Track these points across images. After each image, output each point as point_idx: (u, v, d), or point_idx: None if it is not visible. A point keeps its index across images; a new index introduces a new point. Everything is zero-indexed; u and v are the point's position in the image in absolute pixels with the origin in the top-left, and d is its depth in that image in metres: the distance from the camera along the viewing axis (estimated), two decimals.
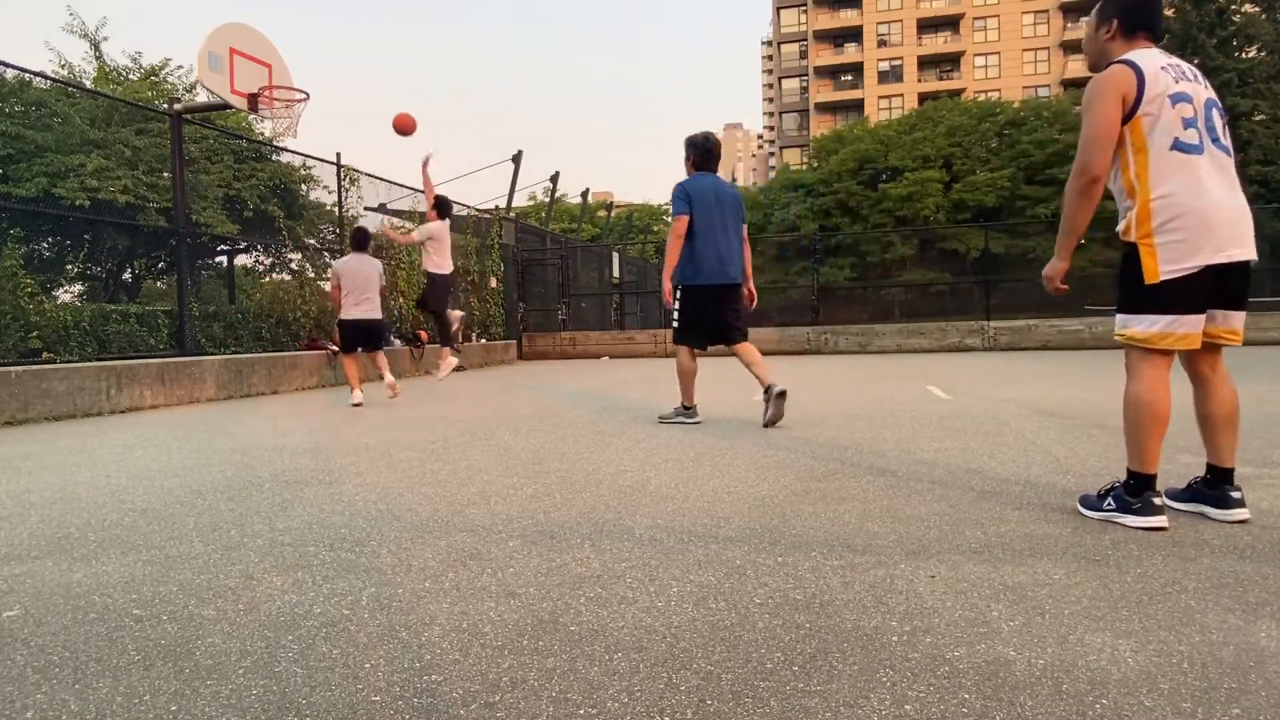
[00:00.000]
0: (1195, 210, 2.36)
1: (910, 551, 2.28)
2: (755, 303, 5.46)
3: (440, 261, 8.56)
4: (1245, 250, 2.41)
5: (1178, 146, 2.39)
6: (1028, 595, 1.90)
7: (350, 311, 7.40)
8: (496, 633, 1.76)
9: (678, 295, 5.23)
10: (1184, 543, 2.30)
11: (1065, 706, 1.36)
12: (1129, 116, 2.41)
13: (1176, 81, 2.42)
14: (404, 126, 8.46)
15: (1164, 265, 2.39)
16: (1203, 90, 2.48)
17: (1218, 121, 2.48)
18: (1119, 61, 2.46)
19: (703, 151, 5.31)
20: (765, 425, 4.98)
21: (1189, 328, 2.40)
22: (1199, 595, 1.88)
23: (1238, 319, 2.49)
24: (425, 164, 8.71)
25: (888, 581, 2.03)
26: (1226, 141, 2.50)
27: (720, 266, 5.14)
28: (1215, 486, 2.54)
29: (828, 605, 1.87)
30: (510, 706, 1.42)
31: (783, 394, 4.95)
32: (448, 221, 8.75)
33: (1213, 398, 2.53)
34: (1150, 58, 2.45)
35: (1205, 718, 1.32)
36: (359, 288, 7.43)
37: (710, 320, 5.22)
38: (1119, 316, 2.53)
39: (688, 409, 5.33)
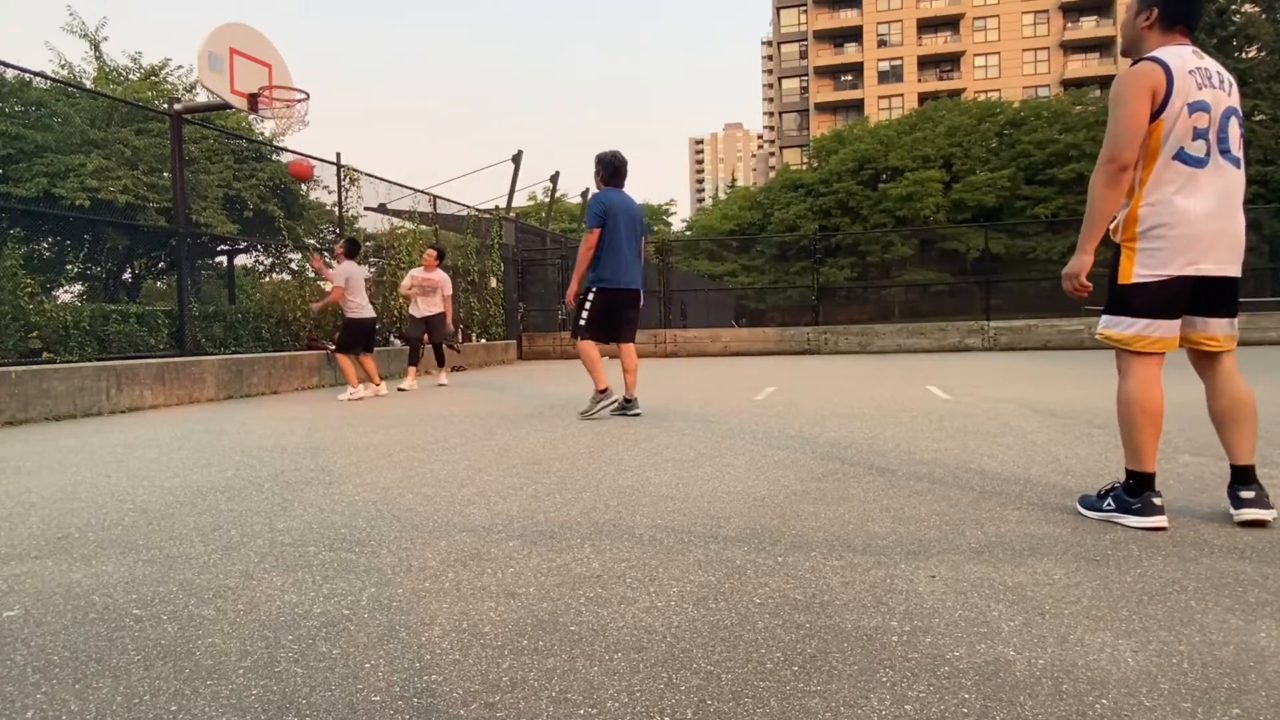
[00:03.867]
0: (1180, 222, 2.38)
1: (910, 551, 2.28)
2: (643, 306, 6.20)
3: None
4: (1223, 267, 2.42)
5: (1180, 157, 2.40)
6: (1028, 595, 1.90)
7: (362, 312, 8.22)
8: (496, 633, 1.76)
9: (590, 296, 5.85)
10: (1184, 543, 2.30)
11: (1065, 706, 1.36)
12: (1153, 117, 2.40)
13: (1200, 88, 2.40)
14: (300, 174, 10.55)
15: (1138, 269, 2.43)
16: (1225, 97, 2.45)
17: (1233, 132, 2.46)
18: (1150, 59, 2.43)
19: (611, 169, 5.92)
20: (581, 415, 5.77)
21: (1164, 332, 2.45)
22: (1199, 595, 1.88)
23: (1217, 326, 2.51)
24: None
25: (888, 581, 2.03)
26: (1238, 153, 2.48)
27: (629, 274, 5.84)
28: (1231, 486, 2.54)
29: (828, 605, 1.87)
30: (510, 706, 1.42)
31: (630, 401, 5.85)
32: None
33: (1219, 397, 2.55)
34: (1182, 58, 2.42)
35: (1205, 718, 1.32)
36: (361, 291, 8.28)
37: (615, 320, 5.91)
38: (1103, 317, 2.57)
39: (603, 391, 5.81)
